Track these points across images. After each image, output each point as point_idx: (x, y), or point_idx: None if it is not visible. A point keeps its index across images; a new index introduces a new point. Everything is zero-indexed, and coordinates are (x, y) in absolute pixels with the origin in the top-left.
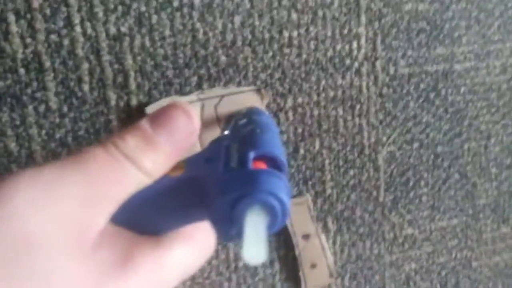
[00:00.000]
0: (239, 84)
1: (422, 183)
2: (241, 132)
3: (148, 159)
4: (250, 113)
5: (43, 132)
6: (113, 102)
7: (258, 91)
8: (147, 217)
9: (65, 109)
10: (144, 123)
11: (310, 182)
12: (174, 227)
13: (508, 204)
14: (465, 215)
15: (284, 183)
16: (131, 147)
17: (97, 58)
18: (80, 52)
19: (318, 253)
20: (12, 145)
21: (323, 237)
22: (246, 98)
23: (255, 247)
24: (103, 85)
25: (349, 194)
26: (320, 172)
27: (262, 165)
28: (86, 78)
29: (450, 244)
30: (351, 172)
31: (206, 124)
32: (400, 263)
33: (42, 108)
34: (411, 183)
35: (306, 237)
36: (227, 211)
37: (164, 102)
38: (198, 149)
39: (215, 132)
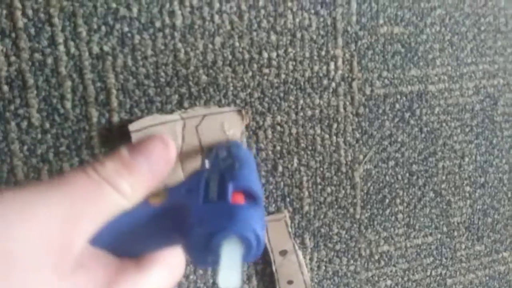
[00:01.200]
0: (219, 102)
1: (398, 201)
2: (221, 165)
3: (126, 182)
4: (230, 147)
5: (25, 148)
6: (94, 119)
7: (239, 112)
8: (127, 241)
9: (47, 125)
10: (123, 150)
11: (288, 199)
12: (151, 250)
13: (482, 222)
14: (440, 233)
15: (259, 216)
16: (110, 171)
17: (80, 76)
18: (63, 70)
19: (295, 269)
20: None
21: (300, 253)
22: (226, 119)
23: (230, 274)
24: (85, 103)
25: (326, 211)
26: (298, 189)
27: (240, 198)
28: (69, 96)
29: (425, 262)
30: (329, 189)
31: (187, 144)
32: (376, 279)
33: (24, 124)
34: (387, 201)
35: (283, 253)
36: (204, 241)
37: (146, 120)
38: (179, 173)
39: (195, 153)
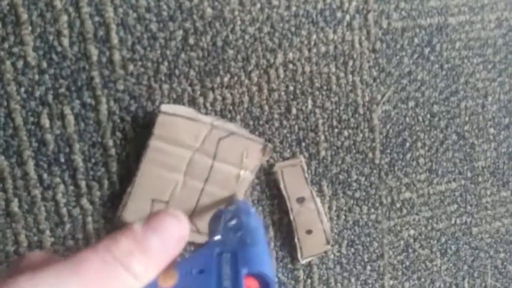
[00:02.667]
0: (226, 41)
1: (419, 144)
2: (231, 237)
3: (138, 263)
4: (239, 213)
5: (22, 90)
6: (94, 58)
7: (264, 146)
8: None
9: (44, 65)
10: (136, 226)
11: (303, 144)
12: None
13: (507, 167)
14: (464, 179)
15: None
16: (123, 251)
17: (76, 10)
18: (58, 3)
19: (313, 218)
20: None
21: (318, 200)
22: (249, 147)
23: None
24: (84, 39)
25: (344, 156)
26: (314, 133)
27: (253, 283)
28: (66, 32)
29: (449, 209)
30: (346, 133)
31: (203, 150)
32: (399, 229)
33: (20, 64)
34: (407, 145)
35: (300, 200)
36: None
37: (180, 108)
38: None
39: (205, 162)
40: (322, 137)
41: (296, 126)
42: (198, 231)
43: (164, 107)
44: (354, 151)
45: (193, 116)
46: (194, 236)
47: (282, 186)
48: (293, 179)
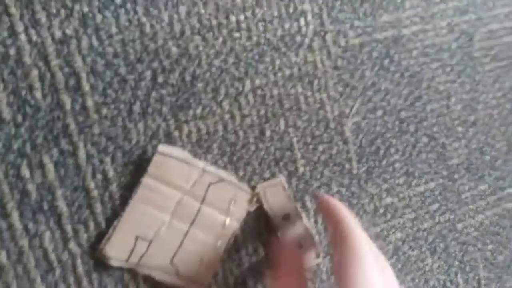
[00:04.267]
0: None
1: (392, 150)
2: None
3: None
4: None
5: (0, 145)
6: (68, 106)
7: (252, 197)
8: None
9: (19, 118)
10: None
11: (281, 163)
12: None
13: (480, 161)
14: (441, 177)
15: None
16: None
17: (46, 64)
18: (27, 60)
19: (301, 233)
20: None
21: (304, 216)
22: (238, 196)
23: None
24: (56, 90)
25: (322, 170)
26: (290, 151)
27: None
28: (37, 85)
29: (432, 209)
30: (320, 148)
31: (192, 194)
32: (385, 233)
33: None
34: (381, 152)
35: (286, 217)
36: None
37: (176, 150)
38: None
39: (192, 205)
40: (299, 155)
41: (272, 147)
42: (178, 273)
43: (161, 148)
44: (331, 164)
45: (187, 159)
46: (173, 278)
47: (266, 206)
48: (276, 198)
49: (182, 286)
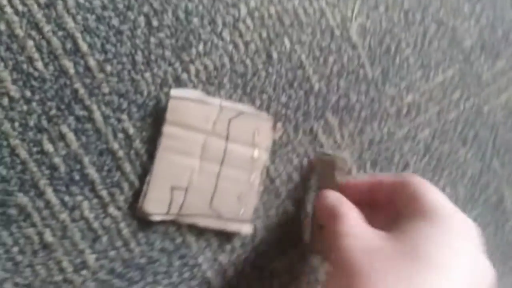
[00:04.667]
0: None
1: (403, 45)
2: None
3: None
4: None
5: (16, 124)
6: (72, 70)
7: (274, 125)
8: None
9: (28, 94)
10: None
11: (295, 84)
12: None
13: (494, 37)
14: (457, 62)
15: None
16: None
17: (38, 32)
18: (20, 32)
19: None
20: None
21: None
22: (260, 125)
23: None
24: (56, 57)
25: (338, 82)
26: (301, 69)
27: None
28: (36, 56)
29: (454, 97)
30: (331, 59)
31: (215, 132)
32: (413, 133)
33: (5, 101)
34: (392, 49)
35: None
36: None
37: (190, 92)
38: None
39: (218, 143)
40: (311, 71)
41: (283, 69)
42: (219, 216)
43: (173, 92)
44: (345, 73)
45: (202, 98)
46: (216, 222)
47: (314, 176)
48: (325, 173)
49: (225, 228)
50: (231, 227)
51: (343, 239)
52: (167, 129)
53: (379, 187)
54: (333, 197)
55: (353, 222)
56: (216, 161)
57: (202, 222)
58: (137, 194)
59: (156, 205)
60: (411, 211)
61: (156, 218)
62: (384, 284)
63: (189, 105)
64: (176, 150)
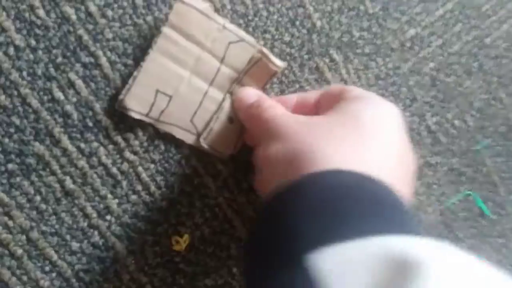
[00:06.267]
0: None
1: None
2: None
3: None
4: None
5: (24, 73)
6: (73, 17)
7: (273, 70)
8: None
9: (33, 42)
10: None
11: (297, 22)
12: None
13: None
14: None
15: None
16: None
17: None
18: None
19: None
20: (2, 98)
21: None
22: (262, 64)
23: None
24: (56, 4)
25: (339, 19)
26: (302, 8)
27: None
28: (37, 3)
29: (456, 30)
30: None
31: (210, 49)
32: (418, 67)
33: (11, 50)
34: None
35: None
36: None
37: (199, 2)
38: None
39: (211, 61)
40: (311, 8)
41: (283, 8)
42: (198, 134)
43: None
44: (345, 10)
45: (208, 12)
46: (191, 137)
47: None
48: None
49: (200, 146)
50: (205, 146)
51: (278, 118)
52: (166, 30)
53: (305, 99)
54: (255, 93)
55: (280, 111)
56: (206, 79)
57: (179, 134)
58: (152, 138)
59: (137, 102)
60: (343, 98)
61: (135, 115)
62: (331, 149)
63: (194, 14)
64: (170, 54)
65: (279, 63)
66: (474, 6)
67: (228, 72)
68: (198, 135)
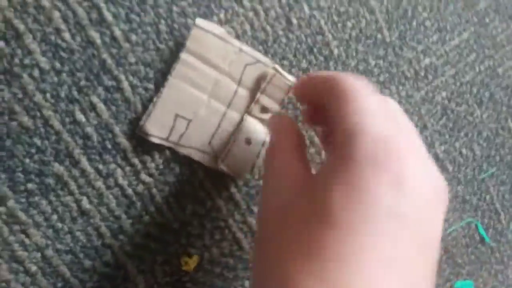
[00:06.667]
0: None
1: (420, 8)
2: None
3: None
4: None
5: (48, 95)
6: (98, 41)
7: (287, 85)
8: None
9: (58, 65)
10: None
11: (315, 49)
12: None
13: (508, 0)
14: (472, 25)
15: None
16: None
17: (64, 3)
18: (46, 3)
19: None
20: (25, 119)
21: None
22: (276, 80)
23: None
24: (82, 27)
25: (356, 47)
26: (320, 35)
27: None
28: (63, 27)
29: (470, 59)
30: (349, 24)
31: (228, 73)
32: (431, 95)
33: (36, 72)
34: (409, 13)
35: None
36: None
37: (215, 26)
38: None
39: (228, 84)
40: (330, 36)
41: (302, 35)
42: (215, 155)
43: (199, 21)
44: (363, 38)
45: (224, 36)
46: (209, 159)
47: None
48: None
49: (217, 167)
50: (223, 168)
51: (265, 191)
52: (184, 56)
53: (309, 82)
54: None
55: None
56: (224, 101)
57: (197, 157)
58: (168, 161)
59: (157, 127)
60: (334, 138)
61: (155, 140)
62: (296, 244)
63: (210, 39)
64: (189, 79)
65: (291, 78)
66: (489, 36)
67: (245, 94)
68: (216, 157)
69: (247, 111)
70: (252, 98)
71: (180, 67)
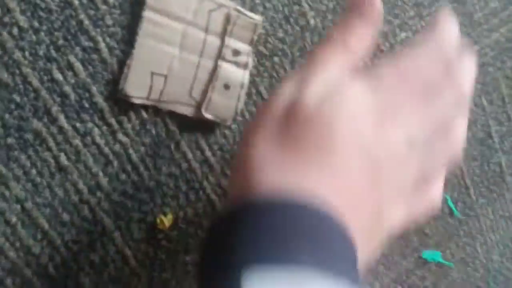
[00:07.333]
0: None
1: None
2: None
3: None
4: None
5: (27, 53)
6: (76, 2)
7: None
8: None
9: (36, 24)
10: None
11: (291, 19)
12: None
13: None
14: (450, 2)
15: None
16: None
17: None
18: None
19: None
20: (5, 76)
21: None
22: (241, 21)
23: None
24: None
25: (333, 18)
26: (297, 5)
27: None
28: None
29: None
30: None
31: (192, 22)
32: None
33: (15, 30)
34: None
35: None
36: None
37: None
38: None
39: (198, 35)
40: (307, 7)
41: (279, 4)
42: (199, 106)
43: None
44: (340, 10)
45: None
46: (193, 110)
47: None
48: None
49: (203, 117)
50: (208, 116)
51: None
52: (147, 14)
53: None
54: None
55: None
56: (196, 51)
57: (181, 110)
58: (144, 123)
59: (136, 88)
60: None
61: (137, 101)
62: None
63: None
64: (156, 36)
65: (256, 16)
66: (467, 13)
67: (215, 40)
68: (199, 107)
69: (220, 56)
70: (222, 43)
71: (145, 25)
